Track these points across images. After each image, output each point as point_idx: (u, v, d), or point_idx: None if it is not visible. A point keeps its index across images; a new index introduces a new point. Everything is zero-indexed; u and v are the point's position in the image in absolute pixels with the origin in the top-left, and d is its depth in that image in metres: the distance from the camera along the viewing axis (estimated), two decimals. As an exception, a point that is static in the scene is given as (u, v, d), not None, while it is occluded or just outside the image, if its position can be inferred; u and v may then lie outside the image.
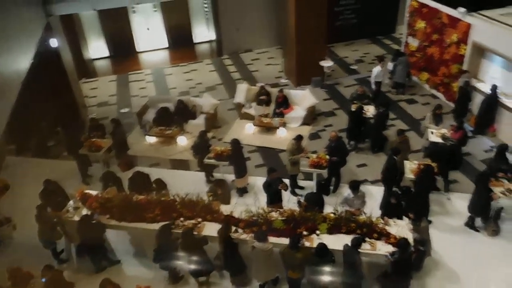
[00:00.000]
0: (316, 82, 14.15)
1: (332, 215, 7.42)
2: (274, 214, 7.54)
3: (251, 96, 12.56)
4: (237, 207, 7.90)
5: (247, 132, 11.86)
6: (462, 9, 11.61)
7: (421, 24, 13.29)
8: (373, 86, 12.60)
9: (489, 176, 8.47)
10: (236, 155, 9.17)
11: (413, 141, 11.07)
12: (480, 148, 10.92)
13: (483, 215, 8.36)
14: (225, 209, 7.86)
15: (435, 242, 8.04)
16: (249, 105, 12.41)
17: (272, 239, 7.09)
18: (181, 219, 7.57)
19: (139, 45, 17.71)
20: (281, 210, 7.60)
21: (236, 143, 9.15)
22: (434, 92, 13.38)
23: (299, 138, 9.06)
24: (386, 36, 17.77)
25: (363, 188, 9.25)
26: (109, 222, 7.88)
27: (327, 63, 13.79)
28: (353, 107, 10.80)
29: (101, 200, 8.01)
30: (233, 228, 7.41)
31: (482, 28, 11.25)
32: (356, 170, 10.40)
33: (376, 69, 12.41)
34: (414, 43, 13.86)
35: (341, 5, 16.74)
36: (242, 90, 12.67)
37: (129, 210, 7.83)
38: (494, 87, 10.78)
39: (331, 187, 9.66)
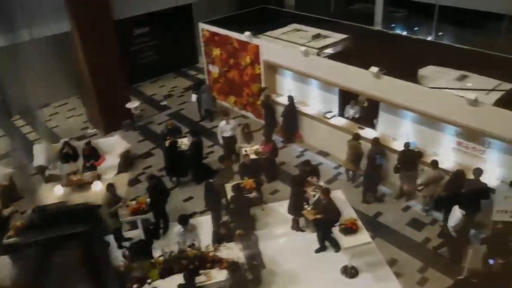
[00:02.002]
0: (127, 126, 14.13)
1: (161, 258, 7.46)
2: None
3: (53, 156, 11.80)
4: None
5: (57, 196, 11.06)
6: (248, 33, 13.18)
7: (216, 52, 14.58)
8: (221, 142, 11.89)
9: (303, 178, 9.70)
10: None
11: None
12: (292, 155, 12.43)
13: (302, 214, 9.48)
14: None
15: (270, 253, 8.82)
16: (53, 166, 11.63)
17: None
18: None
19: None
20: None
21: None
22: (243, 112, 14.74)
23: (110, 187, 8.89)
24: (191, 67, 18.91)
25: (194, 221, 9.63)
26: None
27: (133, 104, 13.92)
28: (167, 143, 11.13)
29: None
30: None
31: (268, 47, 12.97)
32: (184, 204, 10.70)
33: (222, 124, 11.74)
34: (215, 70, 15.09)
35: (136, 43, 17.20)
36: (41, 151, 11.82)
37: None
38: (291, 98, 12.46)
39: (161, 230, 9.70)
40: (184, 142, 11.44)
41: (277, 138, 12.75)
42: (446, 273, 8.30)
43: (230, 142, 11.79)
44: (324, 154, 12.33)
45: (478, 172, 8.70)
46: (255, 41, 13.21)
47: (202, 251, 7.52)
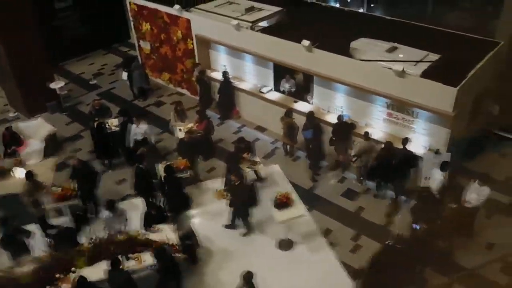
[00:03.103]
0: (54, 107, 13.41)
1: (88, 245, 7.21)
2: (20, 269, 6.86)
3: (-31, 142, 11.00)
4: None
5: (-25, 186, 10.38)
6: (177, 6, 12.73)
7: (146, 26, 14.03)
8: (131, 145, 10.51)
9: (237, 155, 9.68)
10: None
11: (169, 142, 11.79)
12: (229, 131, 12.35)
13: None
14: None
15: (206, 231, 8.81)
16: (-31, 153, 10.87)
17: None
18: None
19: None
20: (26, 261, 6.96)
21: None
22: (179, 89, 14.40)
23: (29, 175, 8.43)
24: (122, 43, 18.12)
25: (128, 203, 9.42)
26: None
27: (57, 84, 13.20)
28: (94, 125, 10.67)
29: None
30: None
31: (200, 21, 12.61)
32: (117, 187, 10.43)
33: (132, 127, 10.49)
34: (146, 46, 14.56)
35: (60, 18, 16.17)
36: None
37: None
38: (225, 73, 12.28)
39: (92, 215, 9.39)
40: (114, 123, 11.00)
41: (213, 114, 12.60)
42: (378, 239, 8.65)
43: (141, 146, 10.35)
44: (262, 129, 12.36)
45: (405, 141, 9.06)
46: (185, 14, 12.81)
47: (131, 235, 7.33)
